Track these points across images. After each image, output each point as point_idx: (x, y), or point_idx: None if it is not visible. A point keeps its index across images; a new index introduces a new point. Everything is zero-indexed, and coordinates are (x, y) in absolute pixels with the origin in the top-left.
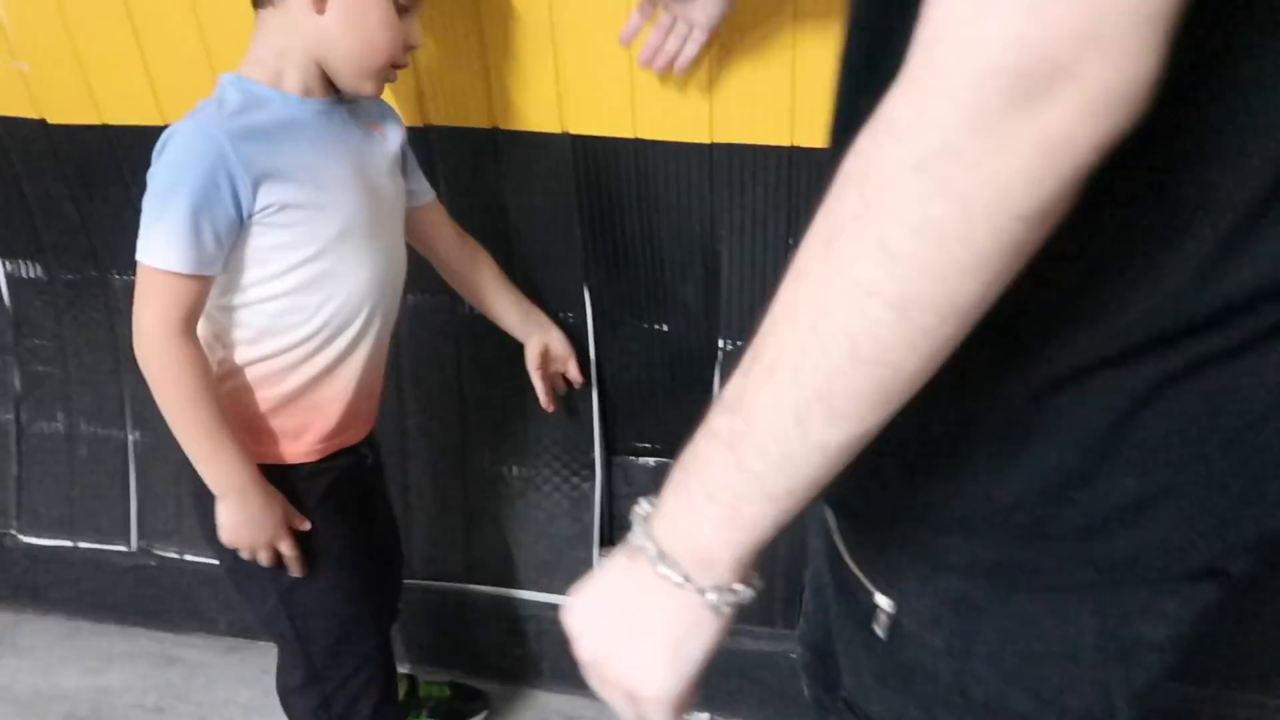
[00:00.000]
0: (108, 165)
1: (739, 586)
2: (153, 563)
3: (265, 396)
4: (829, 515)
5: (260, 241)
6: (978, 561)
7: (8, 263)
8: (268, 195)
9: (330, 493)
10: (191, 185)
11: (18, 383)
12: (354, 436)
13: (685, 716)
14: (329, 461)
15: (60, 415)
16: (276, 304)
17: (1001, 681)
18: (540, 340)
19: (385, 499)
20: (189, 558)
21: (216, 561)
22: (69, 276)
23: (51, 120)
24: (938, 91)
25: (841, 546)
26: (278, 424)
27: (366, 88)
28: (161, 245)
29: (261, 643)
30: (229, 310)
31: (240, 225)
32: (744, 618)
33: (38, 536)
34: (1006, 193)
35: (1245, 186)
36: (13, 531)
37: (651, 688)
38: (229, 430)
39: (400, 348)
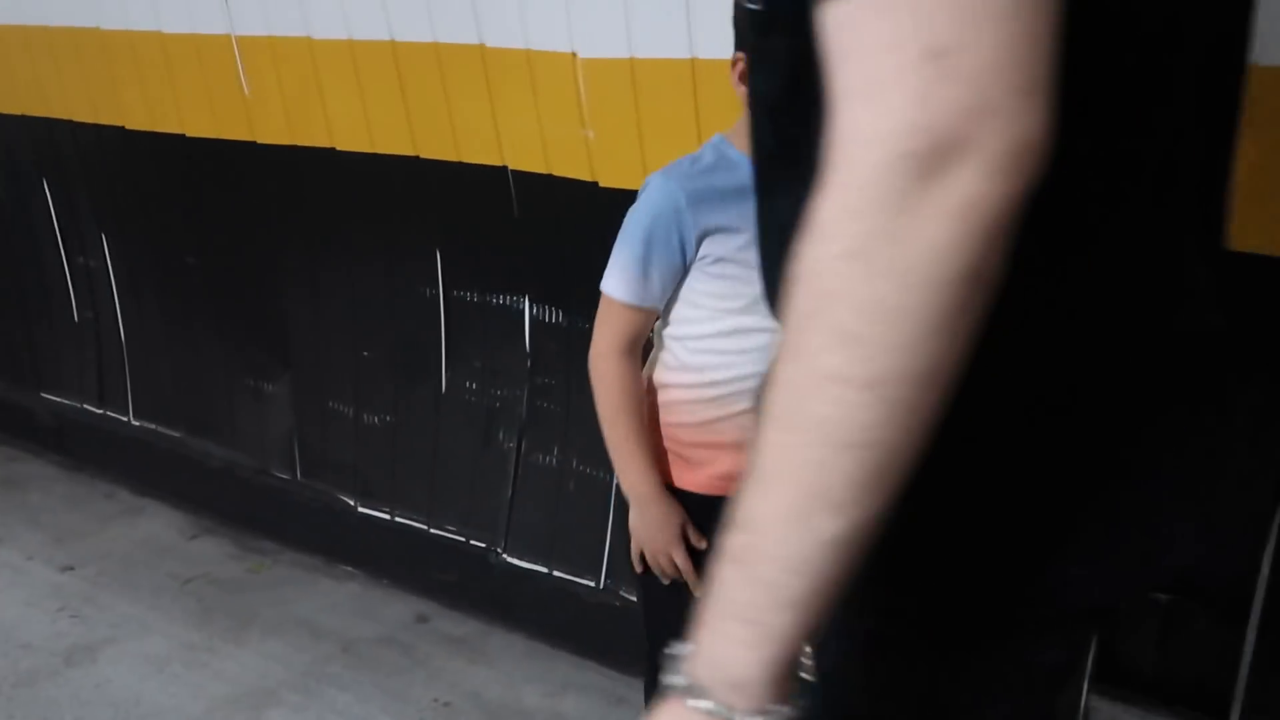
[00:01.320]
0: None
1: (776, 707)
2: (617, 602)
3: (673, 421)
4: None
5: (697, 285)
6: (895, 607)
7: (534, 305)
8: (709, 247)
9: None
10: (647, 231)
11: (524, 413)
12: None
13: None
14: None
15: (556, 450)
16: (700, 344)
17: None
18: None
19: None
20: None
21: None
22: (584, 325)
23: (603, 184)
24: (852, 186)
25: None
26: (683, 451)
27: None
28: (616, 279)
29: None
30: (666, 338)
31: (683, 271)
32: None
33: (519, 558)
34: (935, 259)
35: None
36: (499, 550)
37: None
38: (644, 444)
39: None
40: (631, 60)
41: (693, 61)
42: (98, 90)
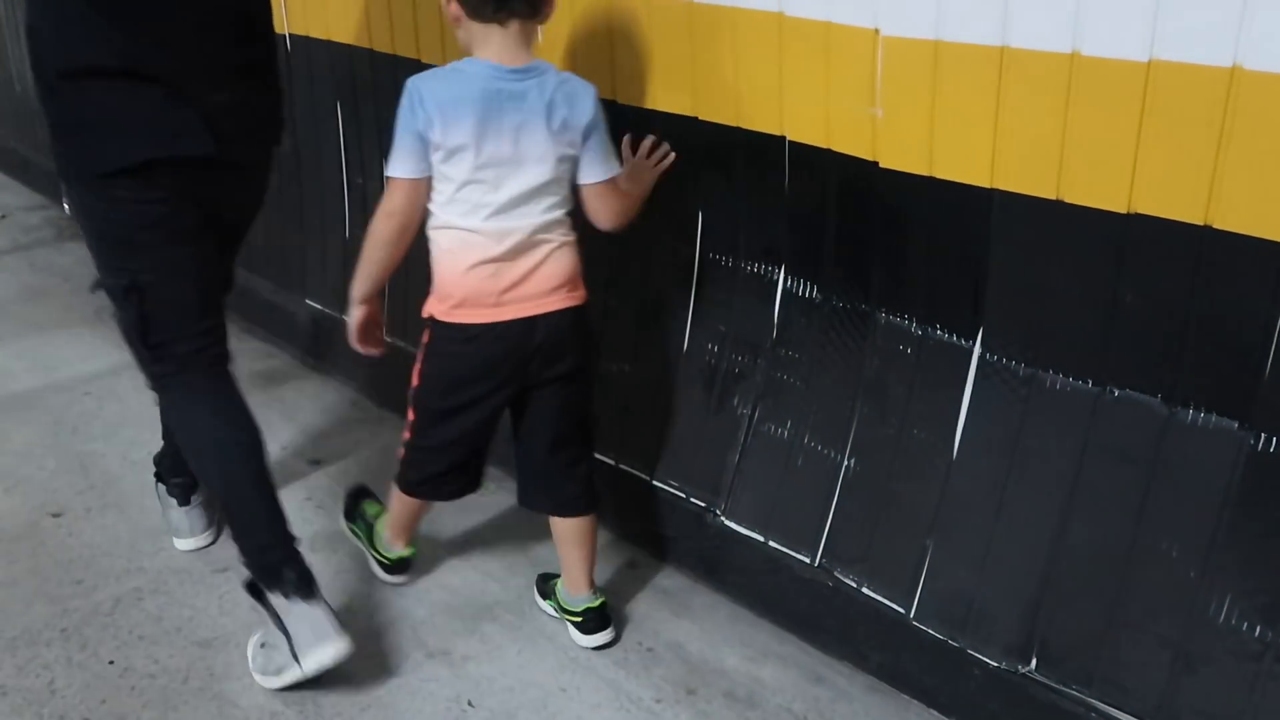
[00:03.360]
0: (924, 215)
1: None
2: (829, 582)
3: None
4: None
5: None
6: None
7: (789, 278)
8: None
9: None
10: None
11: (761, 383)
12: None
13: None
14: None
15: (789, 423)
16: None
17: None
18: None
19: None
20: (866, 590)
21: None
22: (839, 304)
23: (883, 164)
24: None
25: None
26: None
27: None
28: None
29: (904, 696)
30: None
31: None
32: None
33: (736, 522)
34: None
35: None
36: (717, 511)
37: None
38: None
39: None
40: (936, 43)
41: (1002, 50)
42: (399, 22)
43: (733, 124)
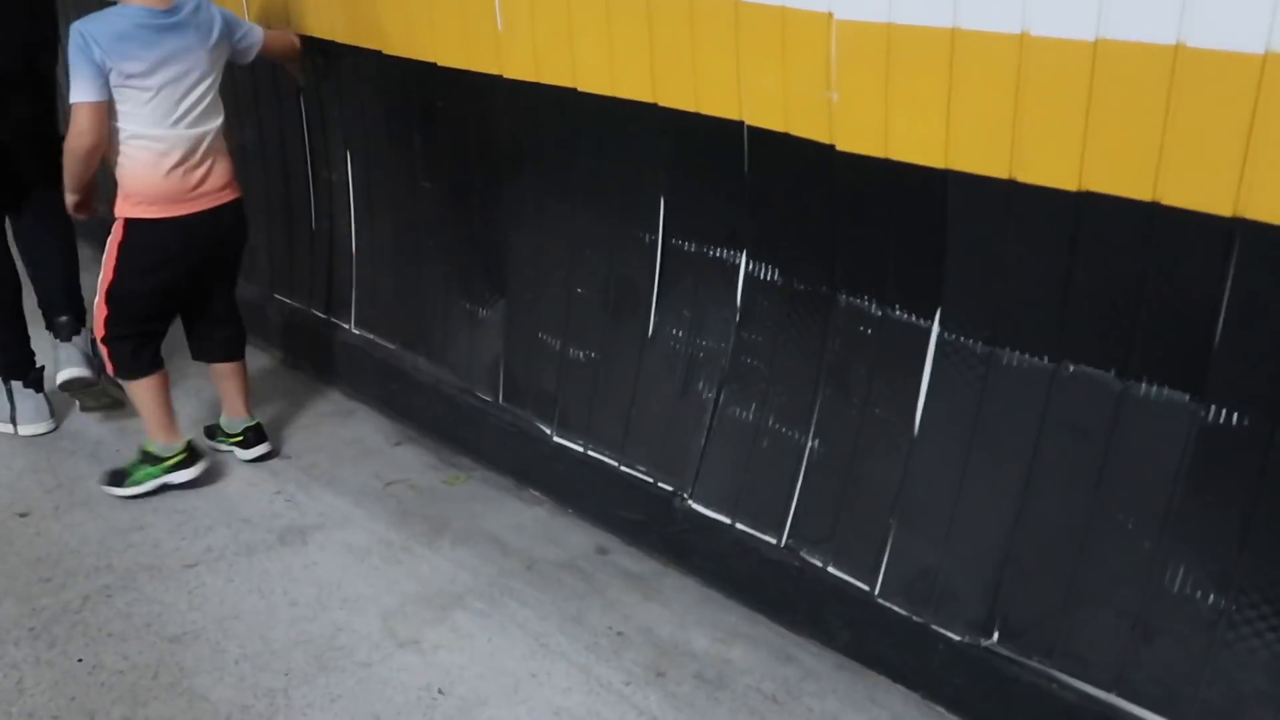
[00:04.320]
0: (882, 197)
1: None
2: (796, 563)
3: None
4: None
5: None
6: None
7: (751, 262)
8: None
9: None
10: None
11: (726, 366)
12: None
13: None
14: None
15: (754, 406)
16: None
17: None
18: None
19: None
20: (832, 570)
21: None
22: (800, 287)
23: (840, 147)
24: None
25: None
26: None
27: None
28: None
29: (872, 673)
30: None
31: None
32: None
33: (703, 505)
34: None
35: None
36: (684, 495)
37: None
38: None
39: None
40: (889, 25)
41: (953, 32)
42: (360, 14)
43: (692, 109)
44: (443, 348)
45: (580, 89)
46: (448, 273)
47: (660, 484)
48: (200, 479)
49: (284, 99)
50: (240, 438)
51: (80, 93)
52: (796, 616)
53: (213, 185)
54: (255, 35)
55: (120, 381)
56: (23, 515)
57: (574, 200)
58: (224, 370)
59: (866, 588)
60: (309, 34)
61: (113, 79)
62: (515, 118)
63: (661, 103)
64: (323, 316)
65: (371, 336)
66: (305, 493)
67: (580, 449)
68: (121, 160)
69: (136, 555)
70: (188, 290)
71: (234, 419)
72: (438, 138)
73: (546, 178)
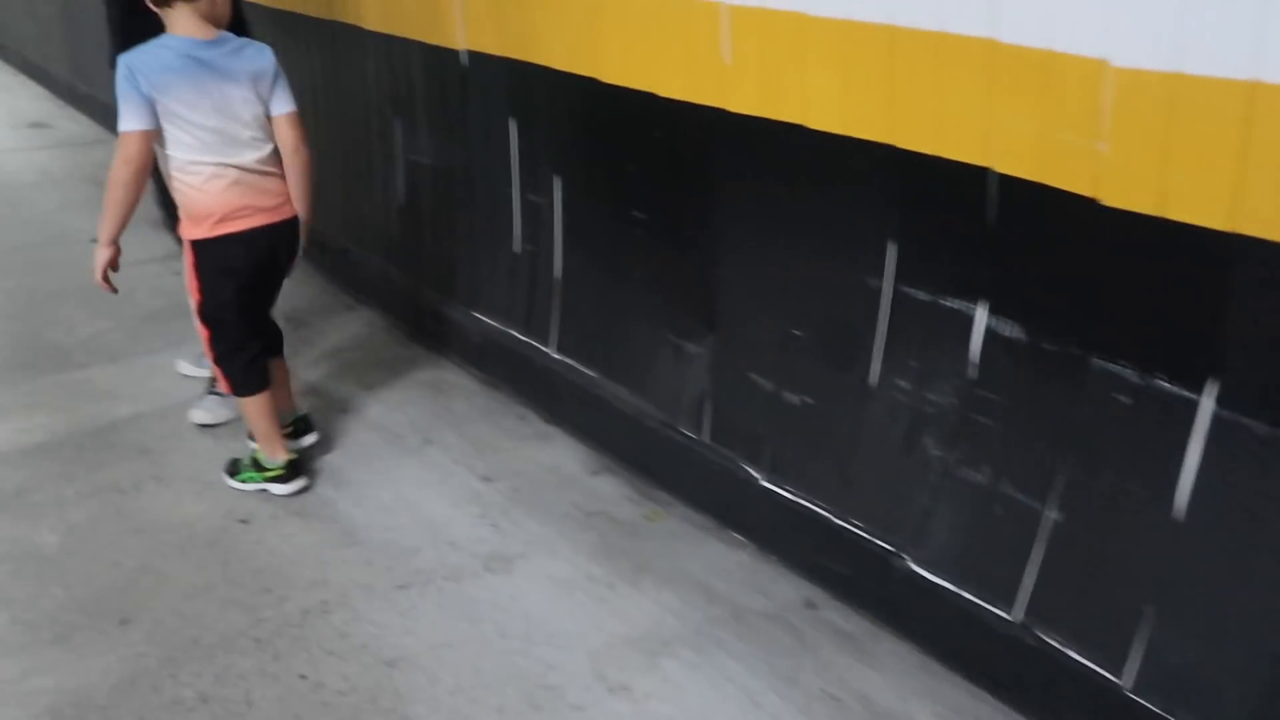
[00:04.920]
0: (1152, 257)
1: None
2: (1030, 641)
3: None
4: None
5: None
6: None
7: (993, 316)
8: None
9: None
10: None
11: (957, 424)
12: None
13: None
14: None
15: (987, 469)
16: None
17: None
18: None
19: None
20: (1072, 653)
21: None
22: (1047, 346)
23: (1105, 202)
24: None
25: None
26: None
27: None
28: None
29: None
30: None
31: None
32: None
33: (925, 568)
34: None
35: None
36: (904, 555)
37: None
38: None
39: None
40: (1176, 75)
41: (1253, 85)
42: (579, 41)
43: (932, 152)
44: (645, 379)
45: (809, 125)
46: (655, 304)
47: (878, 540)
48: (393, 499)
49: (493, 122)
50: (290, 429)
51: (128, 122)
52: (1028, 699)
53: (268, 203)
54: (278, 108)
55: (236, 398)
56: (244, 522)
57: (795, 239)
58: (274, 365)
59: (1114, 678)
60: (527, 59)
61: (160, 108)
62: (736, 151)
63: (899, 143)
64: (522, 338)
65: (572, 362)
66: (508, 518)
67: (791, 495)
68: (177, 185)
69: (350, 571)
70: (264, 300)
71: (283, 411)
72: (653, 167)
73: (766, 214)
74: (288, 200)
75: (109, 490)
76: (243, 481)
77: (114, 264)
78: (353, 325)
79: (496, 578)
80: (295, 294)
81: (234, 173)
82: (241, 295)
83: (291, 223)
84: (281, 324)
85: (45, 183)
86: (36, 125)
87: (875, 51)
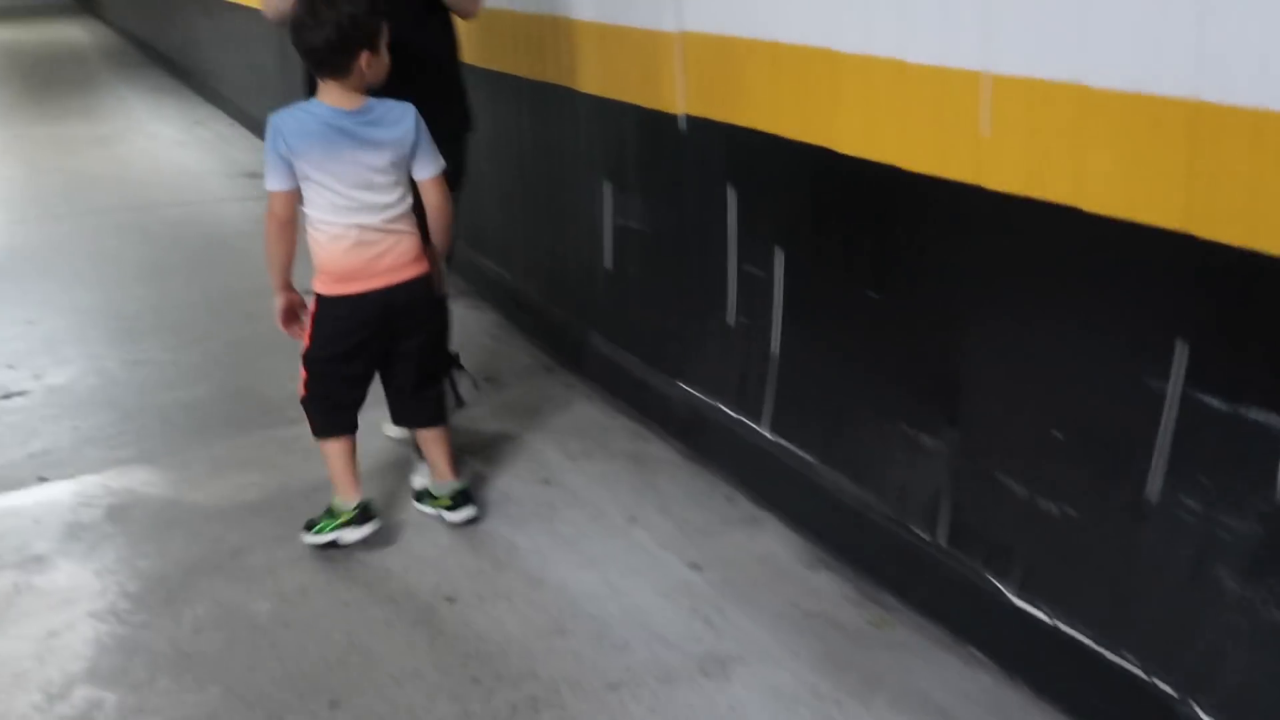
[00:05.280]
0: None
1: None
2: None
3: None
4: None
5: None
6: None
7: None
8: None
9: None
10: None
11: (1261, 554)
12: None
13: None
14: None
15: None
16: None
17: None
18: None
19: None
20: None
21: None
22: None
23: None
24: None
25: None
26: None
27: None
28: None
29: None
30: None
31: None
32: None
33: (1216, 716)
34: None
35: None
36: (1193, 703)
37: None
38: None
39: None
40: None
41: None
42: (813, 110)
43: (1239, 244)
44: (871, 469)
45: (1084, 209)
46: (886, 390)
47: (1158, 682)
48: (601, 590)
49: (710, 189)
50: (449, 502)
51: (271, 181)
52: None
53: (390, 264)
54: (421, 172)
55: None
56: (450, 600)
57: (1058, 330)
58: (426, 436)
59: None
60: (752, 126)
61: (296, 169)
62: (992, 233)
63: (1197, 233)
64: (733, 415)
65: (787, 444)
66: (721, 615)
67: (1047, 619)
68: (309, 241)
69: (559, 664)
70: (374, 361)
71: (441, 483)
72: (892, 245)
73: (1024, 302)
74: (411, 261)
75: (318, 556)
76: (318, 533)
77: (294, 311)
78: (552, 389)
79: (713, 683)
80: (496, 353)
81: (355, 233)
82: (349, 354)
83: (413, 284)
84: (478, 383)
85: (261, 232)
86: (252, 175)
87: (1172, 129)
